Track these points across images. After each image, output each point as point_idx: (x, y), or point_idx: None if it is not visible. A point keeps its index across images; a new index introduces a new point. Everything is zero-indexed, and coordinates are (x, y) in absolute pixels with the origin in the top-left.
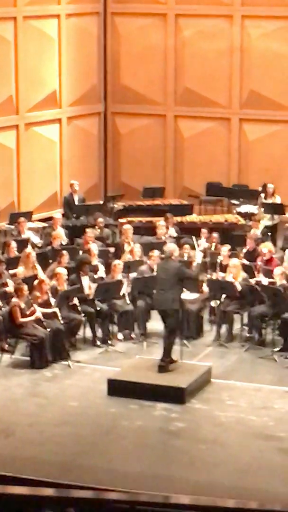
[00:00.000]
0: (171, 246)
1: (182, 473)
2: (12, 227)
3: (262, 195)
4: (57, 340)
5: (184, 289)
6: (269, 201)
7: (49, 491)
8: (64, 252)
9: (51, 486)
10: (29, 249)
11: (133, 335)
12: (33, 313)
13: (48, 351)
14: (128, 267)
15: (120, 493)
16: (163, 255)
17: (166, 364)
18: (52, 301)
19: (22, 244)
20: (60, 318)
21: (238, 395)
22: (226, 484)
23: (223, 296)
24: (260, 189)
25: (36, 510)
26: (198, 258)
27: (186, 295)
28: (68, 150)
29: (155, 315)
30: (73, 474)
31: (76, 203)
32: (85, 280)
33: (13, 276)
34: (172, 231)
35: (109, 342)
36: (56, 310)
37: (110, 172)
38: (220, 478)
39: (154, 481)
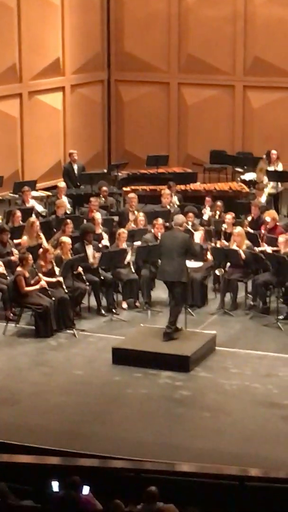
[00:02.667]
0: (181, 217)
1: (186, 441)
2: (16, 196)
3: (265, 159)
4: (61, 309)
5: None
6: (272, 168)
7: (54, 460)
8: (69, 221)
9: (57, 455)
10: (33, 218)
11: (137, 304)
12: (37, 282)
13: (53, 320)
14: (133, 235)
15: (125, 461)
16: (167, 224)
17: (171, 332)
18: (57, 270)
19: (27, 213)
20: (64, 287)
21: (243, 363)
22: (230, 452)
23: (228, 264)
24: (264, 156)
25: (42, 478)
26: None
27: (191, 263)
28: (72, 119)
29: (159, 284)
30: (78, 442)
31: (76, 172)
32: (90, 249)
33: (18, 245)
34: (175, 199)
35: (113, 310)
36: (61, 279)
37: (114, 140)
38: (225, 446)
39: (158, 449)
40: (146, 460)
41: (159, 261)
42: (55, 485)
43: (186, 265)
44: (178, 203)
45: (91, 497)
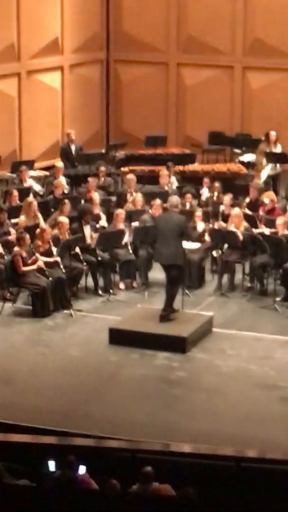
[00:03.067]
0: (176, 198)
1: (182, 421)
2: (14, 175)
3: (264, 141)
4: (59, 289)
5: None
6: (272, 149)
7: (50, 439)
8: (66, 201)
9: (52, 434)
10: (31, 198)
11: (134, 284)
12: (35, 262)
13: (50, 300)
14: (130, 216)
15: (121, 441)
16: (165, 205)
17: (167, 313)
18: (54, 250)
19: (24, 193)
20: (62, 267)
21: (239, 344)
22: (226, 433)
23: (225, 245)
24: (263, 138)
25: (37, 457)
26: None
27: (188, 244)
28: (70, 98)
29: (156, 265)
30: (74, 422)
31: (73, 152)
32: (87, 229)
33: (15, 225)
34: (174, 180)
35: (110, 291)
36: (58, 259)
37: (112, 120)
38: (221, 427)
39: (154, 429)
40: (142, 441)
41: None
42: (51, 465)
43: (182, 247)
44: (176, 184)
45: (87, 477)
